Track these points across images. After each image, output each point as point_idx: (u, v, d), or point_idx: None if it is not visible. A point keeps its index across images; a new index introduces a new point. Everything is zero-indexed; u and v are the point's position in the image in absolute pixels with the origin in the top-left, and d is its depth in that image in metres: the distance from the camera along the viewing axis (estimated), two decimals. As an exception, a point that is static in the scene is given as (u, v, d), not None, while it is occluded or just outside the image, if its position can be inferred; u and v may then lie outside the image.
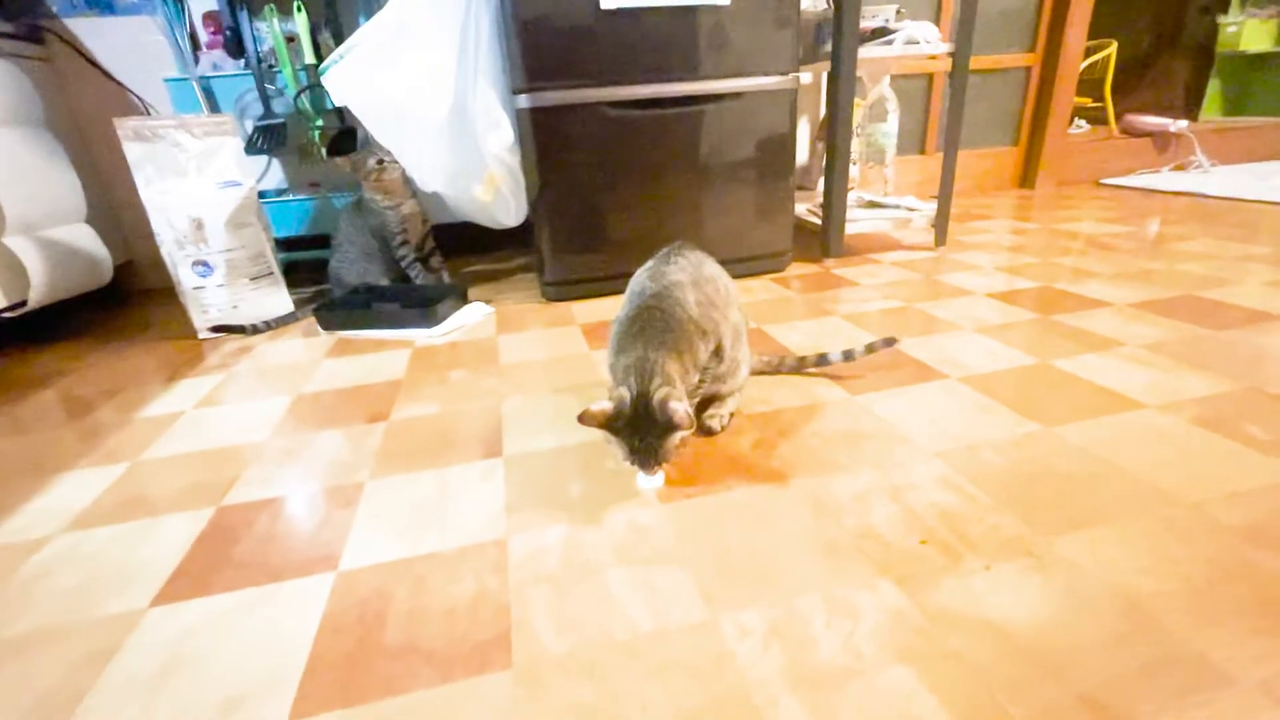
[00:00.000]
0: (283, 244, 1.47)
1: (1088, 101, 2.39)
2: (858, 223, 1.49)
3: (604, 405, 0.58)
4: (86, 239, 1.42)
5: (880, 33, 1.41)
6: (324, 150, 1.37)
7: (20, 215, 1.22)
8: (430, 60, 1.11)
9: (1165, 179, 2.18)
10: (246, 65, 1.32)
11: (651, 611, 0.49)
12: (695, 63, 1.20)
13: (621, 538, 0.57)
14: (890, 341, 0.81)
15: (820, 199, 1.59)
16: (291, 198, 1.47)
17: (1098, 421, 0.70)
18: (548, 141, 1.19)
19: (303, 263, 1.55)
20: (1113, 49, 2.33)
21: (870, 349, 0.81)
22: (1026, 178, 2.26)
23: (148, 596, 0.54)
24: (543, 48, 1.13)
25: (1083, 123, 2.49)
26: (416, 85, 1.10)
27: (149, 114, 1.49)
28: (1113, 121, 2.43)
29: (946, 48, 1.36)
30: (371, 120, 1.11)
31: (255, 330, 1.26)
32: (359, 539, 0.60)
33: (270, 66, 1.32)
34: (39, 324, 1.35)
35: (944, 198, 1.46)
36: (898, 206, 1.57)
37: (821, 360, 0.82)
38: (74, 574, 0.58)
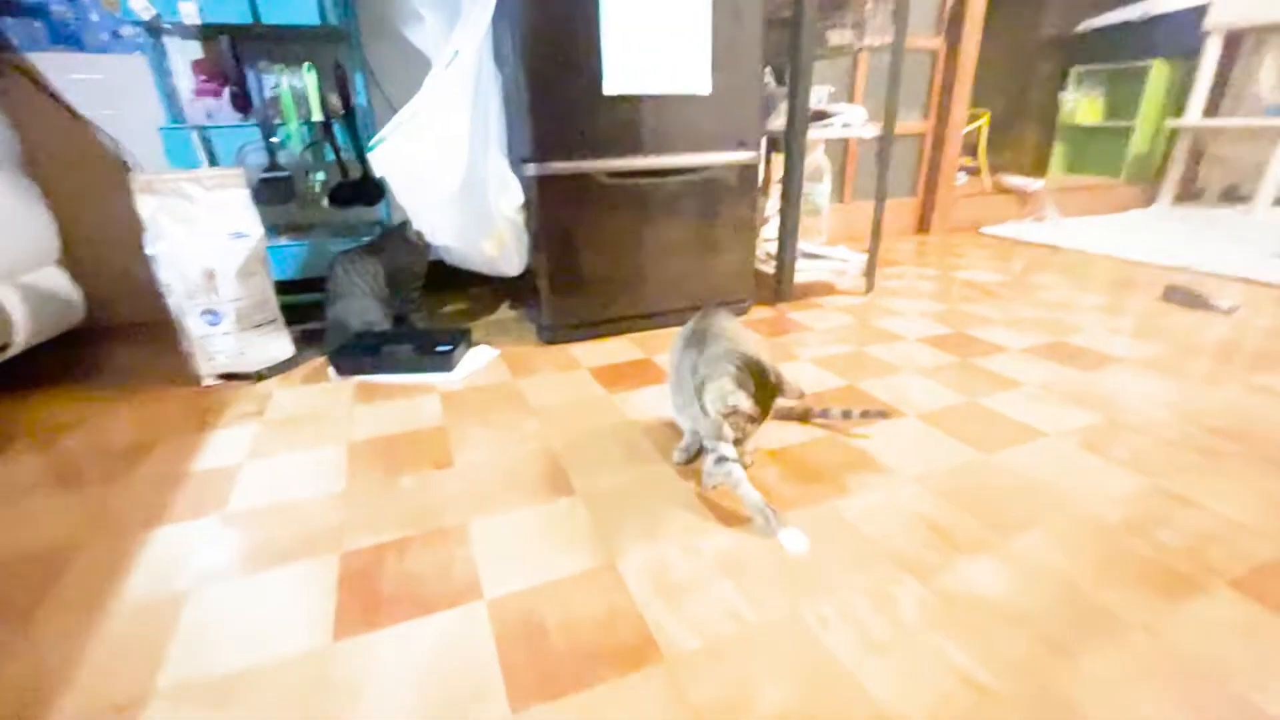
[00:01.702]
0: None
1: (969, 160, 2.84)
2: (802, 272, 1.75)
3: (739, 401, 0.76)
4: (59, 279, 1.39)
5: (820, 115, 1.68)
6: (326, 199, 1.43)
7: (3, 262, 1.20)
8: (449, 134, 1.23)
9: (1026, 229, 2.64)
10: (248, 118, 1.35)
11: (752, 610, 0.66)
12: (680, 139, 1.40)
13: (709, 557, 0.74)
14: (883, 414, 1.03)
15: (767, 249, 1.84)
16: (281, 242, 1.51)
17: (1018, 448, 0.96)
18: (551, 203, 1.34)
19: (290, 306, 1.58)
20: (986, 117, 2.80)
21: (865, 416, 1.02)
22: (923, 224, 2.66)
23: (327, 633, 0.64)
24: (550, 126, 1.28)
25: (963, 175, 2.95)
26: (438, 156, 1.22)
27: (121, 155, 1.48)
28: (987, 177, 2.90)
29: (876, 131, 1.65)
30: (401, 188, 1.21)
31: (260, 377, 1.30)
32: (489, 572, 0.73)
33: (273, 120, 1.36)
34: (10, 369, 1.30)
35: (873, 252, 1.75)
36: (833, 258, 1.85)
37: (824, 414, 1.03)
38: (240, 620, 0.67)
